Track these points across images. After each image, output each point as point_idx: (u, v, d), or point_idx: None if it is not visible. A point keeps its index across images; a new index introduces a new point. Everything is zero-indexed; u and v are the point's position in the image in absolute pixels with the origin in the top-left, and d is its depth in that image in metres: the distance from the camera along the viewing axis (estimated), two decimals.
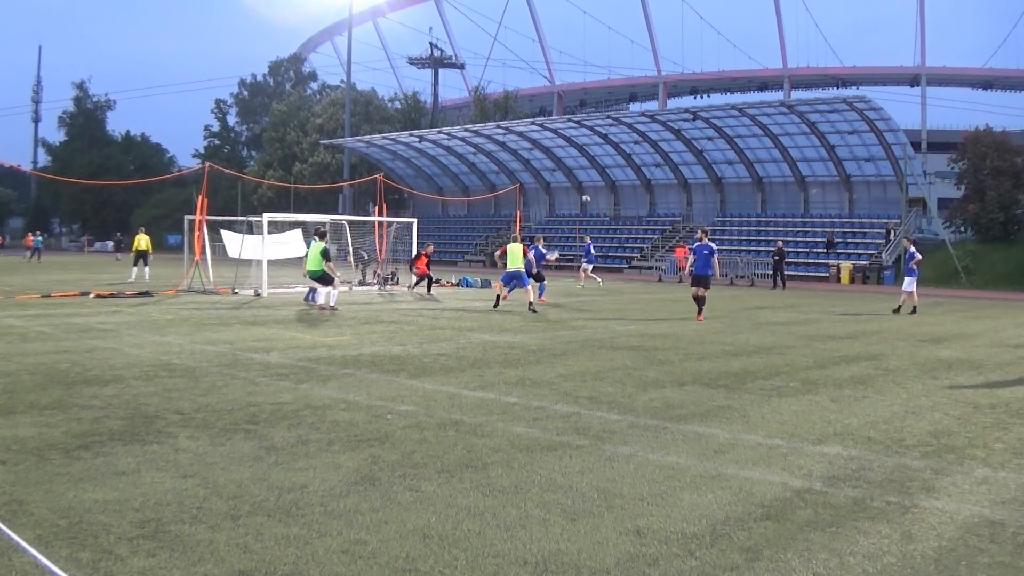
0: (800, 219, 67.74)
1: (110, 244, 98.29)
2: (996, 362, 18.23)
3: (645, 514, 7.30)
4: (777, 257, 50.92)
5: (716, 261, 26.67)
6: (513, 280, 29.12)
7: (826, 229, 63.06)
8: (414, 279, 38.89)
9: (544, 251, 35.09)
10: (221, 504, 7.25)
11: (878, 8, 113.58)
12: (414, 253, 40.10)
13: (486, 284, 43.29)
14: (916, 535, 7.00)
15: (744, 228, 69.75)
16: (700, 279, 26.22)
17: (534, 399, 12.38)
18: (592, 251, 46.97)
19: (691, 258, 27.10)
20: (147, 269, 43.26)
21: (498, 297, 29.68)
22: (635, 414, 11.54)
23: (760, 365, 16.86)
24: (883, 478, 8.71)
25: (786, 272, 51.57)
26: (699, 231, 27.43)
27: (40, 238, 74.42)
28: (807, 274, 58.99)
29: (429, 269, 38.10)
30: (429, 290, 37.15)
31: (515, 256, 28.90)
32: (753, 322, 25.68)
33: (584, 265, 46.38)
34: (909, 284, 31.16)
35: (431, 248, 39.60)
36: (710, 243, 26.38)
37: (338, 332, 20.82)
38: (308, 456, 8.86)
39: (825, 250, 61.21)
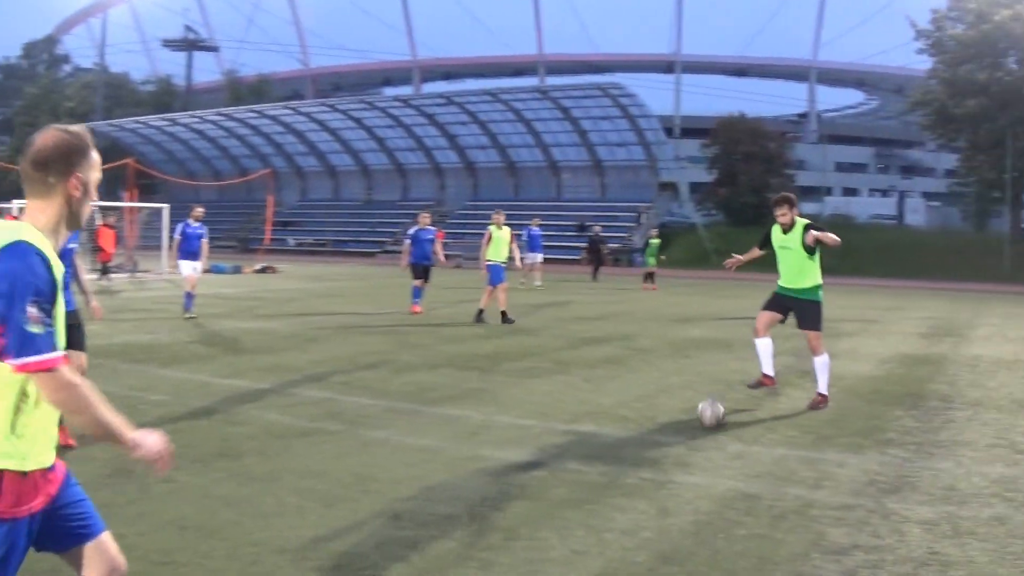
0: (553, 203, 68.68)
1: None
2: (745, 341, 18.80)
3: (402, 497, 7.41)
4: (590, 244, 46.08)
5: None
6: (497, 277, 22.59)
7: (577, 213, 64.25)
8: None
9: (538, 233, 34.95)
10: None
11: None
12: (164, 240, 38.46)
13: (237, 270, 42.57)
14: (672, 510, 7.25)
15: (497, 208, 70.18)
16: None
17: (287, 385, 12.37)
18: (540, 239, 38.52)
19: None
20: None
21: (481, 312, 22.28)
22: (389, 398, 11.65)
23: (512, 347, 17.16)
24: (637, 455, 9.00)
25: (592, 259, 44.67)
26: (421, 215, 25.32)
27: None
28: (560, 257, 59.90)
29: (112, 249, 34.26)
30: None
31: (501, 245, 23.50)
32: (509, 305, 26.03)
33: (530, 257, 37.39)
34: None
35: (112, 219, 36.65)
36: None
37: (87, 321, 20.27)
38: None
39: (577, 233, 62.41)
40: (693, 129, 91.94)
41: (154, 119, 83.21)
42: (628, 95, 62.08)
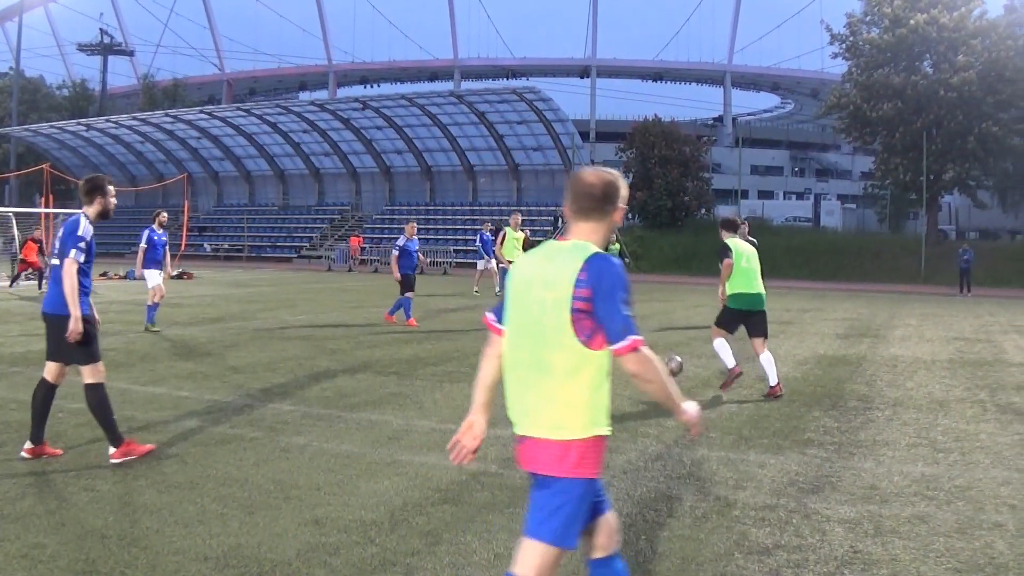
0: (469, 207, 68.71)
1: None
2: (665, 343, 19.02)
3: (323, 503, 7.40)
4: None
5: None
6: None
7: (494, 217, 64.24)
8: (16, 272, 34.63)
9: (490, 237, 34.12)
10: None
11: (550, 1, 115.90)
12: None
13: None
14: None
15: (413, 216, 70.10)
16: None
17: (206, 392, 12.28)
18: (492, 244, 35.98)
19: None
20: None
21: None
22: (308, 404, 11.62)
23: (431, 351, 17.14)
24: None
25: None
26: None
27: None
28: (472, 261, 59.83)
29: (40, 257, 33.60)
30: (41, 284, 32.41)
31: (514, 247, 24.51)
32: (425, 310, 26.01)
33: (482, 264, 36.89)
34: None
35: (38, 233, 36.69)
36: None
37: (6, 329, 19.98)
38: None
39: (492, 238, 62.28)
40: (609, 133, 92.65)
41: (70, 124, 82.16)
42: (544, 99, 62.37)
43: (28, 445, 8.70)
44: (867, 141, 59.42)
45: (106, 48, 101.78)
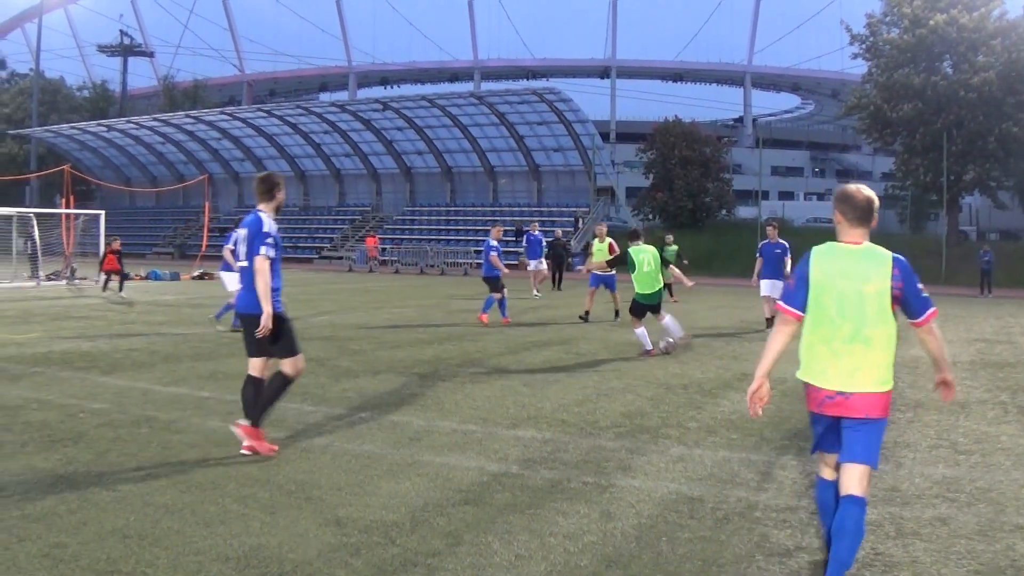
0: (489, 208, 68.69)
1: None
2: (685, 344, 19.00)
3: (344, 504, 7.39)
4: (551, 250, 39.68)
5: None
6: (601, 283, 24.46)
7: (515, 218, 64.18)
8: (103, 278, 35.78)
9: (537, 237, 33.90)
10: None
11: (570, 2, 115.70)
12: (102, 246, 38.32)
13: (175, 276, 42.31)
14: (615, 513, 7.27)
15: (434, 217, 70.34)
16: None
17: (228, 392, 12.23)
18: (542, 244, 35.85)
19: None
20: None
21: (587, 313, 24.19)
22: (329, 404, 11.62)
23: (453, 352, 17.12)
24: (579, 459, 9.01)
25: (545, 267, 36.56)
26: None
27: None
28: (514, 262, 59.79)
29: (121, 265, 34.63)
30: (121, 288, 34.46)
31: (603, 254, 24.60)
32: (446, 310, 26.01)
33: (533, 264, 35.26)
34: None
35: (117, 244, 37.38)
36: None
37: (27, 329, 20.06)
38: (3, 459, 8.58)
39: (514, 238, 62.32)
40: (629, 134, 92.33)
41: (90, 125, 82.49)
42: (564, 100, 62.23)
43: (245, 440, 9.01)
44: (887, 142, 59.16)
45: (126, 49, 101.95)
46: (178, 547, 6.33)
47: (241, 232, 9.23)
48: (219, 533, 6.64)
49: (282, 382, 9.18)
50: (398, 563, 6.13)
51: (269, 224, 9.02)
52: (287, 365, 9.16)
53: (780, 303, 6.18)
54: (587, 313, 23.94)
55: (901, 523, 7.19)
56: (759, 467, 8.86)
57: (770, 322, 22.59)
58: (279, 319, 8.98)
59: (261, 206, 9.24)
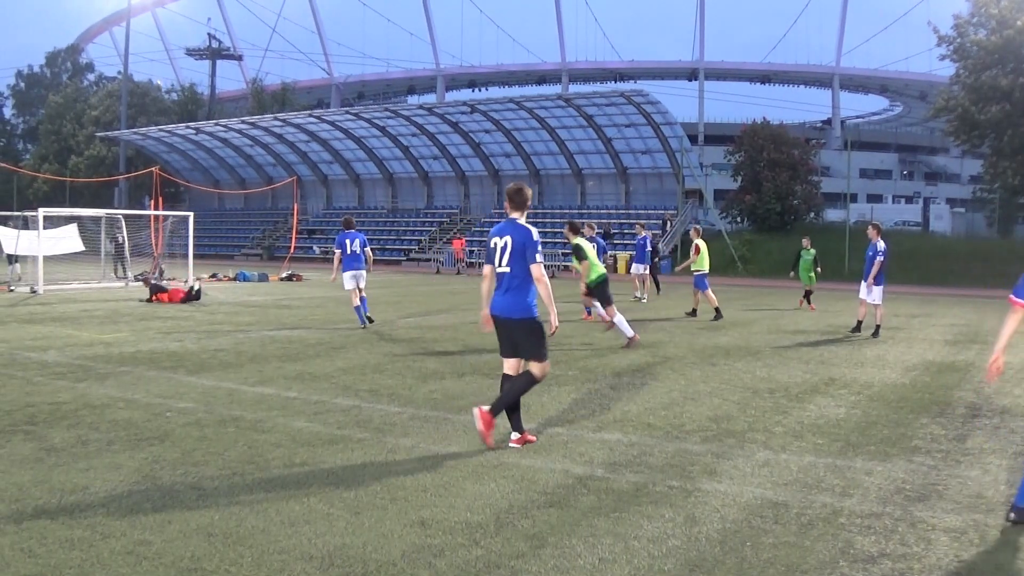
0: (577, 210, 68.33)
1: None
2: (773, 348, 18.83)
3: (429, 505, 7.41)
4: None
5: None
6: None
7: (603, 221, 63.95)
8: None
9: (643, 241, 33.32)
10: (3, 508, 7.12)
11: (657, 4, 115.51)
12: (191, 248, 38.82)
13: (263, 278, 42.72)
14: (700, 518, 7.22)
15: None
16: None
17: (314, 393, 12.38)
18: (648, 248, 34.35)
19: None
20: None
21: (717, 310, 25.29)
22: (415, 406, 11.65)
23: None
24: (664, 463, 8.96)
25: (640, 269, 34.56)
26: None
27: None
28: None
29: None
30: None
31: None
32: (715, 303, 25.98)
33: (636, 268, 34.46)
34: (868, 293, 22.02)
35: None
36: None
37: (115, 329, 20.37)
38: (89, 457, 8.71)
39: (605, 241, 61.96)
40: (717, 136, 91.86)
41: (179, 128, 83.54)
42: (652, 102, 61.82)
43: (514, 436, 9.70)
44: (976, 144, 58.18)
45: (214, 53, 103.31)
46: (262, 546, 6.39)
47: (499, 240, 9.66)
48: (303, 532, 6.68)
49: (528, 381, 9.61)
50: (481, 565, 6.13)
51: (537, 233, 9.52)
52: (535, 367, 9.60)
53: (1012, 296, 7.61)
54: (717, 310, 25.41)
55: (986, 531, 7.07)
56: (845, 472, 8.75)
57: (859, 326, 22.33)
58: (535, 323, 9.54)
59: (515, 215, 9.72)
